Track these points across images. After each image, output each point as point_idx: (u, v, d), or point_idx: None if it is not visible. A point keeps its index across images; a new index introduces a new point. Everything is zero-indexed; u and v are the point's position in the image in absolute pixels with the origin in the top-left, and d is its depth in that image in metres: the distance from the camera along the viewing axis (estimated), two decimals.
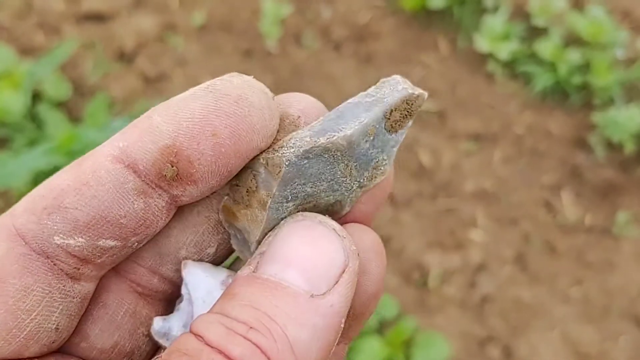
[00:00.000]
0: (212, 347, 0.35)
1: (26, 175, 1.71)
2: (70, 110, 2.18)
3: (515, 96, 2.30)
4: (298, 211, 0.43)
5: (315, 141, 0.41)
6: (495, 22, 2.29)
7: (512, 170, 2.19)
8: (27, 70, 1.97)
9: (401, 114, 0.45)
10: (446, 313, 1.97)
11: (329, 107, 0.44)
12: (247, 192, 0.43)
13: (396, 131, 0.46)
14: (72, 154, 1.76)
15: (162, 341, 0.44)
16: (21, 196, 0.42)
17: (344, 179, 0.45)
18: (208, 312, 0.38)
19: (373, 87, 0.45)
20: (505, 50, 2.25)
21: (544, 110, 2.30)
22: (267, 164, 0.41)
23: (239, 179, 0.43)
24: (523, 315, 1.98)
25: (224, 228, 0.46)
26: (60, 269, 0.40)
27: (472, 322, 1.97)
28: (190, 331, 0.37)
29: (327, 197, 0.45)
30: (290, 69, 2.30)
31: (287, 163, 0.41)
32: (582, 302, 2.04)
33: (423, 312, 1.96)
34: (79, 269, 0.40)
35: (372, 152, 0.45)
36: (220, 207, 0.45)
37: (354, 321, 0.44)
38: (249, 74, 0.41)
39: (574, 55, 2.22)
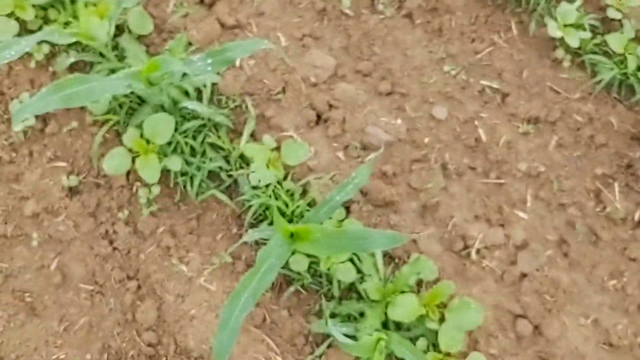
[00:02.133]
0: None
1: (106, 96, 1.81)
2: (149, 46, 2.28)
3: (580, 85, 2.30)
4: None
5: None
6: (570, 9, 2.29)
7: (566, 156, 2.21)
8: (115, 1, 2.07)
9: None
10: (483, 284, 2.02)
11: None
12: None
13: None
14: (152, 82, 1.87)
15: None
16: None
17: None
18: None
19: None
20: (576, 38, 2.25)
21: (607, 102, 2.30)
22: None
23: None
24: (558, 298, 2.02)
25: None
26: None
27: (507, 298, 2.02)
28: None
29: None
30: (361, 32, 2.35)
31: None
32: (619, 294, 2.06)
33: (461, 280, 2.02)
34: None
35: None
36: None
37: None
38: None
39: None
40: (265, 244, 2.07)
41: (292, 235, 1.69)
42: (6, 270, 2.05)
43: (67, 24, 2.17)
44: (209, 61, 1.81)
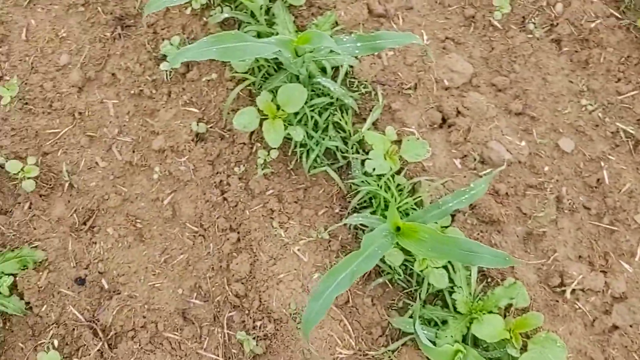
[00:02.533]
0: None
1: (252, 55, 1.90)
2: (297, 17, 2.36)
3: None
4: None
5: None
6: None
7: None
8: None
9: None
10: (571, 326, 1.98)
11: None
12: None
13: None
14: (298, 53, 1.94)
15: None
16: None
17: None
18: None
19: None
20: None
21: None
22: None
23: None
24: None
25: None
26: None
27: (593, 346, 1.97)
28: None
29: None
30: (505, 47, 2.32)
31: None
32: None
33: (550, 316, 1.99)
34: None
35: None
36: None
37: None
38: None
39: None
40: (363, 230, 2.12)
41: (398, 229, 1.72)
42: (125, 194, 2.21)
43: None
44: (358, 44, 1.85)
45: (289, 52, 1.91)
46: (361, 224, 2.08)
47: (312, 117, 2.16)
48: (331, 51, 2.06)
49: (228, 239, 2.14)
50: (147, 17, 2.38)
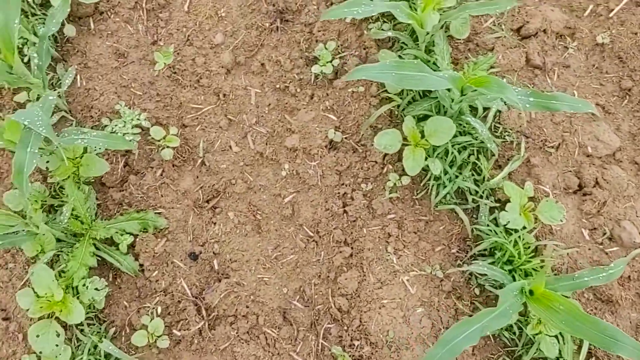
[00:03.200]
0: None
1: (426, 87, 1.89)
2: (454, 48, 2.35)
3: None
4: None
5: None
6: None
7: None
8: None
9: None
10: None
11: None
12: None
13: None
14: (463, 91, 1.92)
15: None
16: None
17: None
18: None
19: None
20: None
21: None
22: None
23: None
24: None
25: None
26: None
27: None
28: None
29: None
30: None
31: None
32: None
33: None
34: None
35: None
36: None
37: None
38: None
39: None
40: (477, 277, 2.10)
41: (531, 292, 1.71)
42: (250, 182, 2.25)
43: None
44: (531, 99, 1.84)
45: (456, 89, 1.91)
46: (478, 272, 2.07)
47: (452, 152, 2.15)
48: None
49: (341, 252, 2.16)
50: (305, 16, 2.41)
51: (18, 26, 1.89)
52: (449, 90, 2.01)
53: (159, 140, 2.23)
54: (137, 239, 2.14)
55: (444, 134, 2.08)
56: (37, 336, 1.91)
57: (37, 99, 2.26)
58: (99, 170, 2.05)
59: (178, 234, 2.19)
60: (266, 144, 2.29)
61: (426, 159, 2.12)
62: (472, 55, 2.34)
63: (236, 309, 2.10)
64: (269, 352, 2.07)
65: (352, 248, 2.17)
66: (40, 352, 1.91)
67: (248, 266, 2.16)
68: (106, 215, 2.20)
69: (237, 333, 2.08)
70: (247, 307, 2.11)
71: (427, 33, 2.20)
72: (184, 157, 2.27)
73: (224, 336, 2.07)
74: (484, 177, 2.18)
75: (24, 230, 1.90)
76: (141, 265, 2.14)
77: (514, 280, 2.00)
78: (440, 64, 2.22)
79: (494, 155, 2.19)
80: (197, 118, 2.32)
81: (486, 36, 2.36)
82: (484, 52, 2.34)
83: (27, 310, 2.00)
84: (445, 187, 2.15)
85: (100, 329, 2.08)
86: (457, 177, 2.16)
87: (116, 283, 2.15)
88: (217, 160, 2.26)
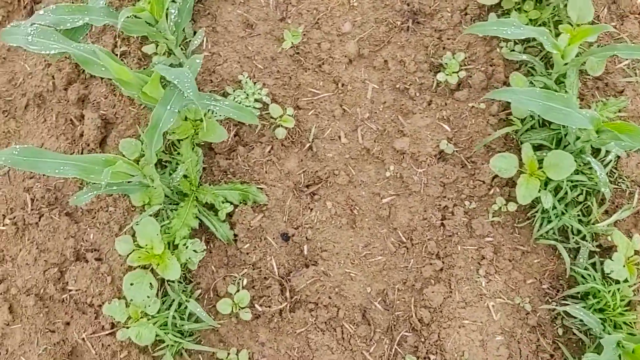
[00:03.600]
0: None
1: (566, 123, 1.86)
2: (583, 83, 2.30)
3: None
4: None
5: None
6: None
7: None
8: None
9: None
10: None
11: None
12: None
13: None
14: (598, 131, 1.88)
15: None
16: None
17: None
18: None
19: None
20: None
21: None
22: None
23: None
24: None
25: None
26: None
27: None
28: None
29: None
30: None
31: None
32: None
33: None
34: None
35: None
36: None
37: None
38: None
39: None
40: (564, 317, 2.07)
41: (632, 350, 1.67)
42: (353, 176, 2.25)
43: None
44: None
45: (593, 130, 1.86)
46: (568, 313, 2.04)
47: (564, 189, 2.11)
48: None
49: (431, 264, 2.15)
50: (438, 21, 2.38)
51: None
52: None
53: (274, 118, 2.24)
54: (236, 209, 2.17)
55: (563, 169, 2.04)
56: (132, 284, 1.96)
57: (166, 54, 2.30)
58: (218, 137, 2.08)
59: (275, 212, 2.21)
60: (375, 141, 2.29)
61: (539, 190, 2.08)
62: (599, 94, 2.28)
63: (319, 298, 2.12)
64: (342, 345, 2.09)
65: (443, 262, 2.16)
66: (131, 300, 1.97)
67: (337, 258, 2.17)
68: (210, 180, 2.24)
69: (315, 321, 2.10)
70: (330, 297, 2.12)
71: (565, 64, 2.15)
72: (293, 139, 2.29)
73: (302, 321, 2.10)
74: (589, 220, 2.13)
75: (138, 180, 1.95)
76: (235, 235, 2.17)
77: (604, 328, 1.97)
78: (569, 98, 2.17)
79: (605, 200, 2.14)
80: (312, 102, 2.33)
81: (618, 78, 2.29)
82: (612, 93, 2.28)
83: (123, 256, 2.06)
84: (550, 221, 2.11)
85: (186, 288, 2.12)
86: (563, 214, 2.12)
87: (208, 248, 2.18)
88: (325, 148, 2.27)
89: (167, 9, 2.16)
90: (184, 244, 2.02)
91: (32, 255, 2.18)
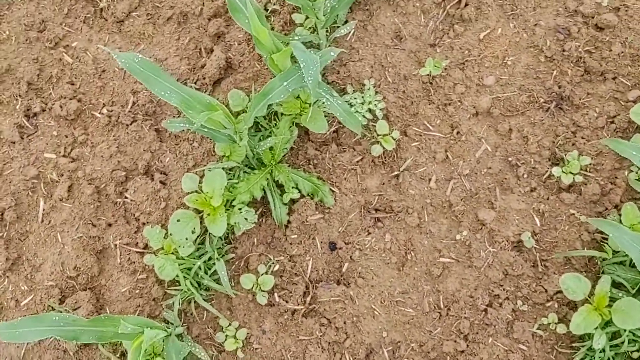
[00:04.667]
0: None
1: None
2: None
3: None
4: None
5: None
6: None
7: None
8: None
9: None
10: None
11: None
12: None
13: None
14: None
15: None
16: None
17: None
18: None
19: None
20: None
21: None
22: None
23: None
24: None
25: None
26: None
27: None
28: None
29: None
30: None
31: None
32: None
33: None
34: None
35: None
36: None
37: None
38: None
39: None
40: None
41: None
42: (422, 222, 2.19)
43: None
44: None
45: None
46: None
47: (623, 339, 1.95)
48: None
49: (455, 342, 2.06)
50: (580, 116, 2.24)
51: None
52: None
53: (378, 134, 2.21)
54: (301, 199, 2.18)
55: (631, 320, 1.88)
56: (178, 220, 2.02)
57: (311, 29, 2.31)
58: (319, 127, 2.07)
59: (334, 219, 2.19)
60: (462, 199, 2.20)
61: (596, 327, 1.93)
62: None
63: (334, 317, 2.09)
64: None
65: (467, 346, 2.06)
66: (171, 234, 2.02)
67: (370, 290, 2.13)
68: (291, 162, 2.24)
69: (321, 336, 2.08)
70: (345, 323, 2.09)
71: None
72: (385, 161, 2.25)
73: (309, 330, 2.08)
74: None
75: (228, 133, 1.98)
76: (289, 222, 2.18)
77: None
78: None
79: None
80: (420, 135, 2.27)
81: None
82: None
83: (184, 191, 2.12)
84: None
85: (222, 247, 2.16)
86: None
87: (258, 221, 2.20)
88: (411, 184, 2.22)
89: None
90: (239, 209, 2.04)
91: (110, 151, 2.29)
